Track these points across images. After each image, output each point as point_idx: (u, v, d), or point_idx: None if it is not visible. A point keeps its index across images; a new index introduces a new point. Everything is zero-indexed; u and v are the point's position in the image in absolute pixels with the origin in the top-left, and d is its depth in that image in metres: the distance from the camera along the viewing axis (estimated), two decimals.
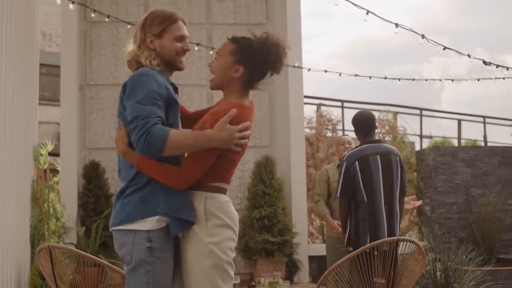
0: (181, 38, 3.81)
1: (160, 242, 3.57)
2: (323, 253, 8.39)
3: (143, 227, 3.54)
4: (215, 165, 3.70)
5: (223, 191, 3.80)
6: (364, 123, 6.38)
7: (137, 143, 3.45)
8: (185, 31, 3.85)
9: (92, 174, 8.66)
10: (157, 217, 3.55)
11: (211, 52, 9.09)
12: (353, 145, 7.48)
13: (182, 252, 3.73)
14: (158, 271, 3.55)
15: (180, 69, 3.88)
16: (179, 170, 3.64)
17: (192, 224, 3.60)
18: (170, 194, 3.58)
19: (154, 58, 3.73)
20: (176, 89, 3.85)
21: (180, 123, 3.86)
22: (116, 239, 3.66)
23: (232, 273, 3.76)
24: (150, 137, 3.41)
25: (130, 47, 3.82)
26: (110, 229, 3.69)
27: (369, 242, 5.94)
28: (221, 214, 3.73)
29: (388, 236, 5.99)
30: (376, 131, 9.33)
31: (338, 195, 6.26)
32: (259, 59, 3.79)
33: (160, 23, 3.76)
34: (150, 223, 3.54)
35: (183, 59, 3.86)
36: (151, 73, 3.62)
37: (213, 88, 3.91)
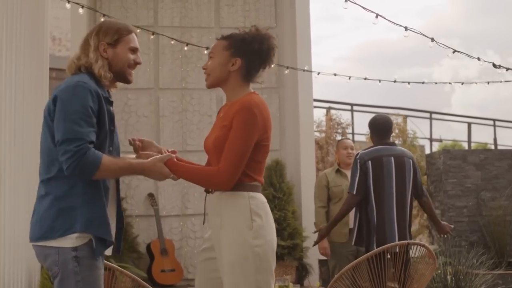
0: (135, 51, 3.70)
1: (87, 249, 3.39)
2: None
3: (64, 244, 3.35)
4: (252, 161, 3.73)
5: (260, 190, 3.84)
6: (382, 126, 6.37)
7: (67, 167, 3.29)
8: (137, 44, 3.75)
9: None
10: (76, 235, 3.35)
11: None
12: (355, 151, 7.45)
13: (222, 255, 3.69)
14: (90, 279, 3.40)
15: (129, 81, 3.72)
16: (219, 167, 3.66)
17: (111, 243, 3.49)
18: (88, 210, 3.38)
19: (107, 69, 3.57)
20: (111, 103, 3.65)
21: (111, 138, 3.65)
22: (37, 252, 3.49)
23: (273, 277, 3.74)
24: (84, 165, 3.28)
25: (74, 53, 3.68)
26: (30, 242, 3.50)
27: (376, 244, 5.92)
28: (264, 214, 3.76)
29: (399, 239, 5.97)
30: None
31: (355, 192, 6.21)
32: (254, 48, 3.81)
33: (115, 32, 3.63)
34: (70, 240, 3.35)
35: (132, 72, 3.74)
36: (87, 85, 3.43)
37: (210, 86, 3.93)
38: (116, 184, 3.70)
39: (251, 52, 3.81)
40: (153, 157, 3.61)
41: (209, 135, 3.92)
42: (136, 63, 3.70)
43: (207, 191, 3.90)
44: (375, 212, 6.10)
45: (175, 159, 3.71)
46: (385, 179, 6.12)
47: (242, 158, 3.66)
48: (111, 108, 3.58)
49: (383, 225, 6.06)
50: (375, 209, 6.11)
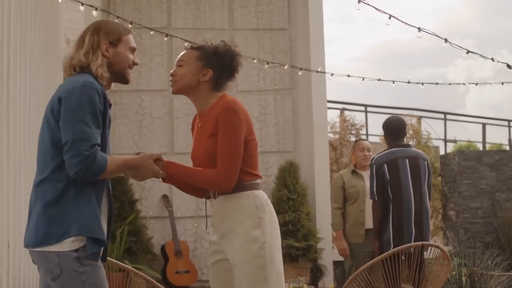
0: (133, 51, 3.69)
1: (86, 250, 3.33)
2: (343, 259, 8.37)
3: (62, 248, 3.31)
4: (245, 157, 3.80)
5: (261, 187, 3.93)
6: (395, 128, 6.38)
7: (76, 172, 3.25)
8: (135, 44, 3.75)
9: (116, 180, 8.68)
10: (72, 238, 3.30)
11: None
12: (372, 152, 7.45)
13: (235, 255, 3.76)
14: (94, 279, 3.36)
15: (128, 81, 3.69)
16: (218, 170, 3.74)
17: (103, 243, 3.42)
18: (81, 213, 3.33)
19: (106, 69, 3.53)
20: (110, 106, 3.58)
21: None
22: (34, 257, 3.47)
23: (282, 270, 3.85)
24: (93, 169, 3.26)
25: (70, 52, 3.62)
26: (25, 247, 3.48)
27: (394, 246, 5.93)
28: (268, 210, 3.83)
29: (415, 241, 5.97)
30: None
31: (375, 198, 6.23)
32: (225, 62, 3.95)
33: (116, 32, 3.61)
34: (67, 244, 3.30)
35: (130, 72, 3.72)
36: (95, 85, 3.38)
37: (176, 92, 4.00)
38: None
39: (222, 66, 3.95)
40: (143, 153, 3.62)
41: (195, 147, 4.00)
42: (134, 64, 3.69)
43: (207, 197, 3.98)
44: (391, 215, 6.11)
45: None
46: (401, 181, 6.13)
47: (237, 157, 3.75)
48: (109, 111, 3.53)
49: (401, 227, 6.07)
50: (392, 211, 6.12)
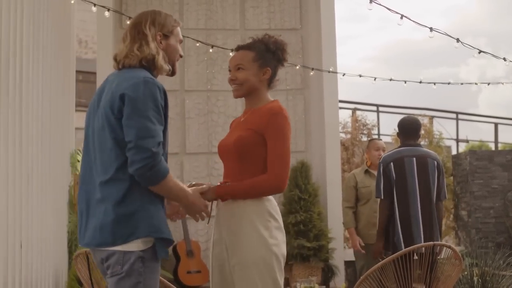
0: (181, 42, 3.70)
1: (151, 252, 3.35)
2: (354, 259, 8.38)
3: (128, 248, 3.30)
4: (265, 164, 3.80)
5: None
6: (407, 127, 6.39)
7: (139, 164, 3.22)
8: None
9: None
10: (139, 240, 3.30)
11: None
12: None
13: (240, 255, 3.73)
14: (149, 282, 3.36)
15: (174, 73, 3.74)
16: (273, 174, 3.74)
17: (171, 242, 3.44)
18: (148, 213, 3.33)
19: (166, 61, 3.57)
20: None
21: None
22: (97, 254, 3.46)
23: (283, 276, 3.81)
24: (157, 168, 3.24)
25: (126, 44, 3.55)
26: (85, 246, 3.49)
27: (403, 246, 5.94)
28: (277, 216, 3.82)
29: (426, 240, 5.96)
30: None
31: (382, 197, 6.24)
32: (279, 57, 4.01)
33: (170, 23, 3.60)
34: (133, 245, 3.30)
35: None
36: (155, 81, 3.39)
37: (241, 96, 4.03)
38: None
39: (277, 61, 4.01)
40: (194, 188, 3.66)
41: (227, 138, 4.01)
42: (180, 56, 3.71)
43: None
44: (397, 213, 6.11)
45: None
46: (407, 180, 6.13)
47: (288, 160, 3.78)
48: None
49: (409, 226, 6.07)
50: (398, 210, 6.12)
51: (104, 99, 3.42)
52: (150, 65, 3.50)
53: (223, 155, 3.98)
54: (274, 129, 3.77)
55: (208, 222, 4.05)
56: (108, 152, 3.34)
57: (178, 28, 3.67)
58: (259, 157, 3.80)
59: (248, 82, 3.94)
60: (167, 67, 3.56)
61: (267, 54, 3.96)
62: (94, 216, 3.37)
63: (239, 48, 4.05)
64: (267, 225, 3.73)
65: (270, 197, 3.82)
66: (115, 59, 3.57)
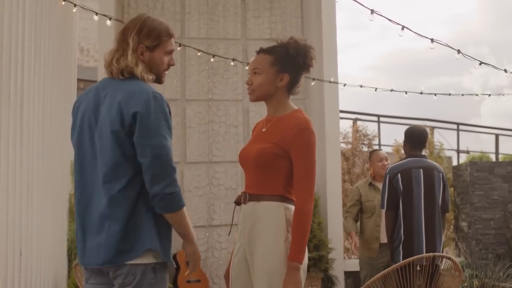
0: (170, 53, 3.58)
1: (161, 262, 3.36)
2: (359, 268, 8.36)
3: (138, 261, 3.28)
4: (290, 174, 3.72)
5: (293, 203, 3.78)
6: (416, 137, 6.37)
7: (164, 181, 3.22)
8: (174, 45, 3.65)
9: None
10: (150, 253, 3.30)
11: (246, 68, 9.13)
12: (389, 162, 7.46)
13: (257, 264, 3.67)
14: None
15: (162, 82, 3.61)
16: (304, 195, 3.65)
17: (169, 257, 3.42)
18: (155, 228, 3.32)
19: (148, 71, 3.45)
20: None
21: None
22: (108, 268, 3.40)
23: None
24: (178, 191, 3.26)
25: (110, 51, 3.50)
26: (95, 266, 3.39)
27: (403, 257, 5.94)
28: None
29: (427, 251, 5.96)
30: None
31: (385, 208, 6.24)
32: (299, 63, 3.85)
33: (157, 37, 3.49)
34: (146, 258, 3.29)
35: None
36: (161, 95, 3.36)
37: (255, 100, 3.91)
38: None
39: (297, 67, 3.85)
40: None
41: (249, 145, 3.92)
42: (170, 65, 3.60)
43: (238, 203, 3.87)
44: (402, 224, 6.11)
45: None
46: (414, 191, 6.13)
47: (313, 177, 3.69)
48: None
49: (410, 237, 6.08)
50: (403, 221, 6.12)
51: (106, 114, 3.34)
52: (133, 75, 3.42)
53: (244, 164, 3.90)
54: (301, 145, 3.67)
55: (229, 233, 4.03)
56: (114, 166, 3.29)
57: (170, 41, 3.57)
58: (279, 170, 3.71)
59: (262, 87, 3.84)
60: (149, 76, 3.45)
61: (286, 59, 3.82)
62: (101, 233, 3.33)
63: (259, 51, 3.97)
64: (286, 236, 3.65)
65: (289, 206, 3.71)
66: (104, 65, 3.51)
